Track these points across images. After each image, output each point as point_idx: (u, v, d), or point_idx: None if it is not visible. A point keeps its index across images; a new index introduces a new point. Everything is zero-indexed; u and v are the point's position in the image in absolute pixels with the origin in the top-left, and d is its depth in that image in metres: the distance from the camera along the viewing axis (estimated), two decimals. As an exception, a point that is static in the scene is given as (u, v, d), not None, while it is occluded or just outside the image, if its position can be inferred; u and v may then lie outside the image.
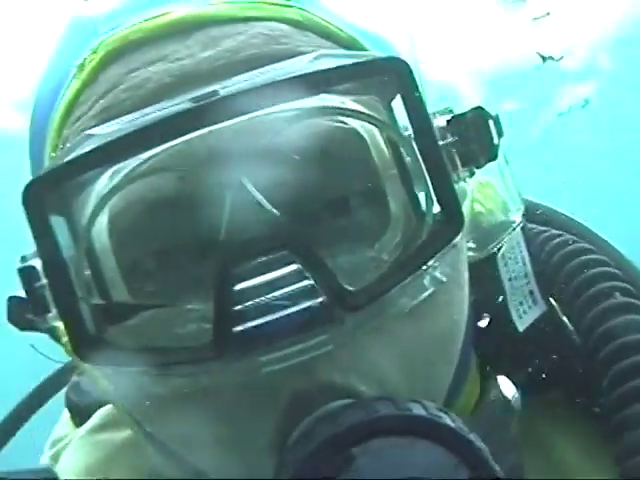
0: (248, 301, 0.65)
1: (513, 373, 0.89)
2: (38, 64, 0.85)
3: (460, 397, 0.84)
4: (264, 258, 0.66)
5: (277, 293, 0.65)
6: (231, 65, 0.71)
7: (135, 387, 0.71)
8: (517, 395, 0.83)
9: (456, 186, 0.72)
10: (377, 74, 0.71)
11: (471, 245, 0.86)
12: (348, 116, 0.71)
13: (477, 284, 0.82)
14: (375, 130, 0.73)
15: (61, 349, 0.87)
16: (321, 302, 0.66)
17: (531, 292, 0.91)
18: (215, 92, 0.66)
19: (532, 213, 0.99)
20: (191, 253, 0.71)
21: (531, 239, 0.94)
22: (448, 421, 0.65)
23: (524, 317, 0.89)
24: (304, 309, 0.65)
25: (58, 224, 0.70)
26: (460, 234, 0.71)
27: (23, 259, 0.71)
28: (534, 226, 0.97)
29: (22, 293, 0.74)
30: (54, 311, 0.70)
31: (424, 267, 0.70)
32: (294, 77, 0.67)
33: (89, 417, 1.03)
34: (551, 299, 0.92)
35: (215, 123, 0.66)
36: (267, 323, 0.65)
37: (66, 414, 1.09)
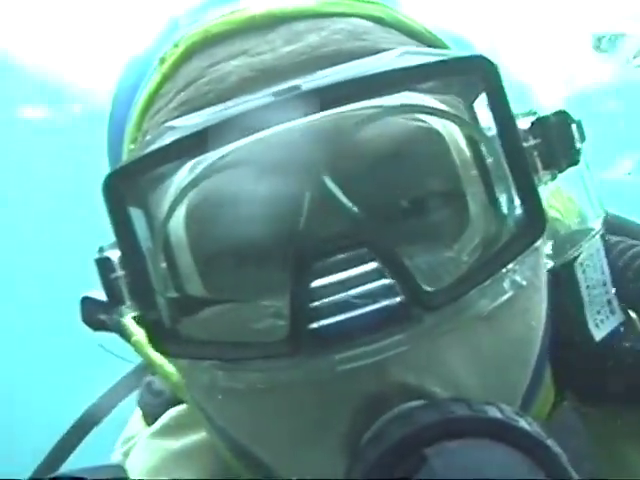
0: (325, 298, 0.65)
1: (587, 383, 0.87)
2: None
3: (534, 404, 0.82)
4: (342, 255, 0.65)
5: (354, 291, 0.65)
6: (313, 60, 0.71)
7: (208, 380, 0.71)
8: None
9: None
10: (464, 72, 0.70)
11: (548, 251, 0.84)
12: (431, 114, 0.70)
13: (553, 291, 0.81)
14: (456, 130, 0.72)
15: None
16: (399, 301, 0.65)
17: (609, 301, 0.89)
18: (297, 87, 0.66)
19: (609, 223, 0.97)
20: (268, 248, 0.70)
21: (608, 250, 0.92)
22: (525, 425, 0.64)
23: (601, 326, 0.87)
24: (381, 308, 0.65)
25: (136, 216, 0.70)
26: (542, 237, 0.70)
27: (100, 250, 0.72)
28: (611, 237, 0.95)
29: (94, 294, 0.75)
30: (129, 303, 0.71)
31: (504, 270, 0.69)
32: (378, 74, 0.66)
33: (160, 417, 1.03)
34: (630, 311, 0.90)
35: (296, 118, 0.66)
36: (343, 321, 0.64)
37: (138, 412, 1.10)
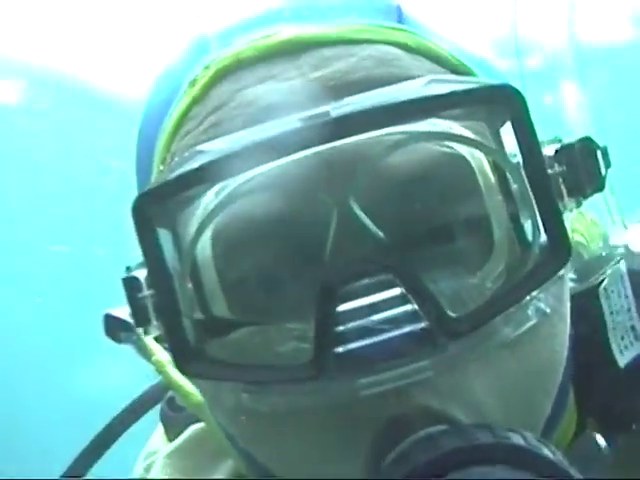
0: (350, 323, 0.65)
1: (611, 409, 0.87)
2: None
3: (557, 430, 0.82)
4: (368, 280, 0.66)
5: (379, 316, 0.65)
6: (341, 87, 0.72)
7: (232, 402, 0.71)
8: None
9: None
10: (490, 102, 0.70)
11: (572, 276, 0.84)
12: (456, 142, 0.71)
13: (577, 316, 0.81)
14: (482, 155, 0.73)
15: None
16: (423, 327, 0.65)
17: (633, 327, 0.88)
18: (326, 113, 0.66)
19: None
20: (293, 272, 0.71)
21: (633, 273, 0.92)
22: (548, 453, 0.64)
23: (625, 353, 0.87)
24: (406, 334, 0.65)
25: (164, 236, 0.71)
26: (566, 265, 0.70)
27: (128, 269, 0.73)
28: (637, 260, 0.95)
29: (115, 312, 0.76)
30: (155, 323, 0.72)
31: (528, 297, 0.69)
32: (405, 101, 0.66)
33: (182, 432, 1.04)
34: None
35: (324, 144, 0.66)
36: (368, 346, 0.64)
37: (161, 428, 1.11)
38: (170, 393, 1.10)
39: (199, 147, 0.70)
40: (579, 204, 0.74)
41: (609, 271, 0.84)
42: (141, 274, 0.71)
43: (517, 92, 0.69)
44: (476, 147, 0.71)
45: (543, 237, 0.70)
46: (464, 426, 0.67)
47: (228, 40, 0.78)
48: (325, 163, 0.69)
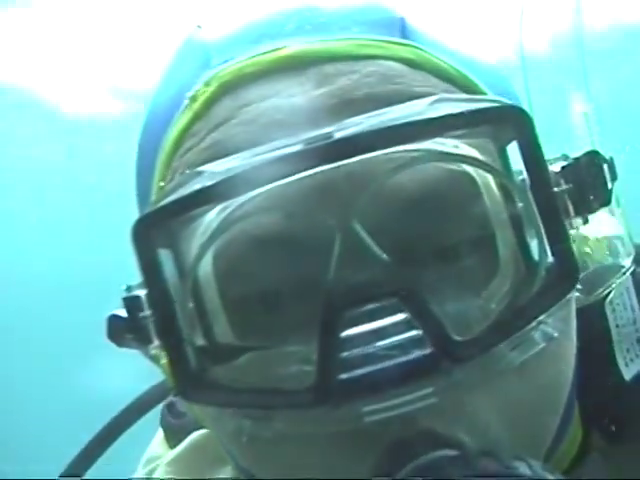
0: (354, 349, 0.64)
1: (616, 422, 0.87)
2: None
3: (562, 444, 0.82)
4: (372, 305, 0.65)
5: (383, 342, 0.64)
6: (344, 104, 0.70)
7: (234, 427, 0.71)
8: None
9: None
10: (496, 122, 0.69)
11: (578, 286, 0.84)
12: (462, 162, 0.70)
13: (583, 329, 0.80)
14: (488, 174, 0.72)
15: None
16: (428, 353, 0.65)
17: (639, 340, 0.88)
18: (329, 135, 0.66)
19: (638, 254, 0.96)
20: (295, 294, 0.70)
21: (638, 284, 0.91)
22: None
23: (631, 365, 0.87)
24: (411, 360, 0.64)
25: (164, 257, 0.70)
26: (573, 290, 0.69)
27: (128, 289, 0.72)
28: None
29: (121, 312, 0.75)
30: (156, 342, 0.71)
31: (535, 322, 0.68)
32: (410, 123, 0.66)
33: (183, 438, 1.04)
34: None
35: (327, 165, 0.65)
36: (372, 372, 0.64)
37: (161, 433, 1.10)
38: (170, 398, 1.10)
39: (200, 168, 0.69)
40: (586, 221, 0.73)
41: (615, 284, 0.83)
42: (142, 292, 0.70)
43: (523, 113, 0.68)
44: (482, 168, 0.70)
45: (549, 258, 0.69)
46: (470, 455, 0.66)
47: (230, 54, 0.76)
48: (329, 184, 0.68)
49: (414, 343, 0.65)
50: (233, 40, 0.78)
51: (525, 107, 0.80)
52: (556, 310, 0.69)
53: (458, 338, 0.66)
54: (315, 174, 0.66)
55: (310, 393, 0.66)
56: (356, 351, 0.64)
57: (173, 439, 1.06)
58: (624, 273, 0.84)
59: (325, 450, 0.70)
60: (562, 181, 0.71)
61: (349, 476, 0.69)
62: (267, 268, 0.70)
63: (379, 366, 0.64)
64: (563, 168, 0.71)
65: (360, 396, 0.65)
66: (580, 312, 0.80)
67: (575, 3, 0.93)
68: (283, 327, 0.71)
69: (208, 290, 0.72)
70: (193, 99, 0.76)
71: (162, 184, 0.78)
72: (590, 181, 0.72)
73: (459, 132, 0.69)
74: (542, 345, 0.69)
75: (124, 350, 0.76)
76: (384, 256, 0.67)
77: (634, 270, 0.88)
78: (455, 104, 0.68)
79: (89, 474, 1.25)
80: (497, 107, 0.69)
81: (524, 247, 0.72)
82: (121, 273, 0.75)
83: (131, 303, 0.71)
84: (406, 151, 0.68)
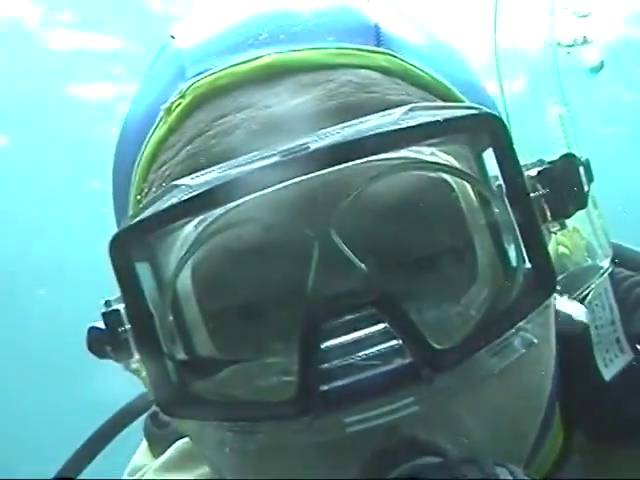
0: (334, 360, 0.64)
1: (597, 422, 0.87)
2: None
3: (544, 448, 0.82)
4: (351, 316, 0.65)
5: (364, 352, 0.64)
6: (320, 113, 0.70)
7: (217, 440, 0.71)
8: None
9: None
10: (470, 130, 0.70)
11: (557, 288, 0.84)
12: (438, 170, 0.70)
13: (561, 330, 0.80)
14: (465, 182, 0.72)
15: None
16: (409, 362, 0.65)
17: (618, 340, 0.88)
18: (306, 146, 0.65)
19: (617, 256, 0.96)
20: (274, 305, 0.70)
21: (617, 283, 0.91)
22: None
23: (610, 366, 0.87)
24: (391, 370, 0.64)
25: (143, 270, 0.70)
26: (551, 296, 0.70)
27: (107, 304, 0.71)
28: (620, 270, 0.94)
29: (101, 324, 0.74)
30: (137, 357, 0.70)
31: (514, 329, 0.68)
32: (386, 132, 0.65)
33: (167, 448, 1.03)
34: (639, 347, 0.90)
35: (304, 177, 0.65)
36: (353, 383, 0.64)
37: (145, 443, 1.10)
38: (154, 408, 1.09)
39: (176, 181, 0.69)
40: (563, 225, 0.73)
41: (593, 285, 0.84)
42: (122, 306, 0.70)
43: (498, 120, 0.68)
44: (458, 175, 0.70)
45: (527, 264, 0.69)
46: (452, 462, 0.66)
47: (204, 65, 0.76)
48: (306, 195, 0.68)
49: (394, 352, 0.65)
50: (208, 50, 0.77)
51: (500, 112, 0.81)
52: (535, 316, 0.69)
53: (438, 346, 0.66)
54: (292, 185, 0.66)
55: (292, 405, 0.66)
56: (337, 362, 0.64)
57: (157, 449, 1.06)
58: (602, 274, 0.84)
59: (309, 461, 0.70)
60: (539, 186, 0.71)
61: None
62: (246, 280, 0.70)
63: (360, 376, 0.64)
64: (539, 173, 0.71)
65: (342, 407, 0.65)
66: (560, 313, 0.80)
67: (549, 5, 0.93)
68: (263, 339, 0.70)
69: (187, 303, 0.72)
70: (168, 111, 0.76)
71: (139, 198, 0.78)
72: (566, 185, 0.72)
73: (434, 140, 0.69)
74: (522, 351, 0.69)
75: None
76: (362, 266, 0.66)
77: (612, 271, 0.89)
78: (430, 112, 0.68)
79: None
80: (471, 115, 0.69)
81: (502, 253, 0.72)
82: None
83: (110, 318, 0.71)
84: (382, 160, 0.68)
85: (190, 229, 0.70)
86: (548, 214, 0.71)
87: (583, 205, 0.74)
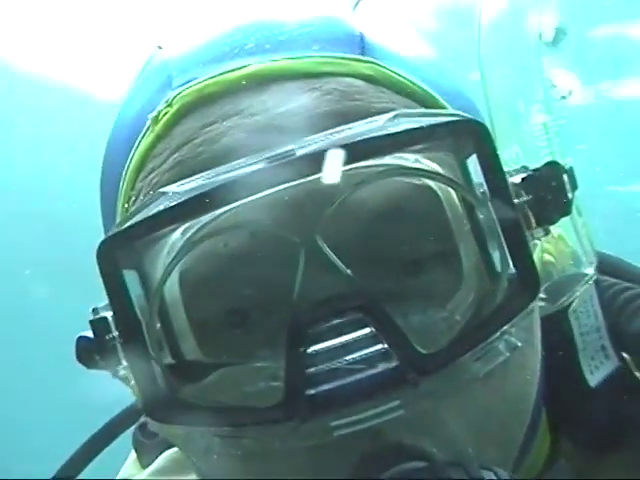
0: (321, 364, 0.65)
1: (583, 430, 0.88)
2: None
3: (530, 454, 0.82)
4: (337, 320, 0.66)
5: (350, 356, 0.65)
6: (306, 121, 0.71)
7: (204, 445, 0.71)
8: None
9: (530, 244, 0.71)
10: (453, 136, 0.70)
11: (542, 295, 0.84)
12: (422, 177, 0.71)
13: (547, 337, 0.81)
14: (449, 188, 0.73)
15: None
16: (394, 366, 0.65)
17: (603, 347, 0.89)
18: (291, 152, 0.66)
19: (602, 264, 0.97)
20: (261, 311, 0.71)
21: (602, 291, 0.92)
22: None
23: (596, 373, 0.87)
24: (377, 373, 0.65)
25: (130, 277, 0.70)
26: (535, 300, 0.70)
27: (95, 311, 0.72)
28: (605, 278, 0.95)
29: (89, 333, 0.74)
30: (125, 363, 0.71)
31: (498, 333, 0.69)
32: (370, 139, 0.66)
33: (156, 458, 1.03)
34: (624, 354, 0.91)
35: (290, 183, 0.66)
36: (340, 387, 0.64)
37: (133, 454, 1.10)
38: (142, 419, 1.09)
39: (164, 189, 0.69)
40: (547, 232, 0.74)
41: (578, 292, 0.84)
42: (109, 314, 0.70)
43: (481, 126, 0.69)
44: (442, 181, 0.71)
45: (512, 269, 0.70)
46: (438, 465, 0.67)
47: (191, 74, 0.76)
48: (292, 202, 0.68)
49: (380, 357, 0.65)
50: (194, 60, 0.78)
51: (485, 119, 0.82)
52: (519, 320, 0.70)
53: (423, 350, 0.66)
54: (278, 192, 0.67)
55: (278, 409, 0.66)
56: (323, 366, 0.65)
57: (146, 459, 1.06)
58: (587, 282, 0.84)
59: (296, 465, 0.70)
60: (523, 192, 0.72)
61: None
62: (233, 286, 0.71)
63: (346, 380, 0.64)
64: (523, 180, 0.72)
65: (328, 411, 0.65)
66: (545, 321, 0.81)
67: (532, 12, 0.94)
68: (250, 344, 0.71)
69: (175, 309, 0.73)
70: (155, 120, 0.76)
71: (127, 206, 0.78)
72: (550, 192, 0.73)
73: (419, 146, 0.70)
74: (506, 355, 0.70)
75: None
76: (348, 271, 0.67)
77: (597, 278, 0.90)
78: (414, 119, 0.69)
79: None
80: (455, 121, 0.70)
81: (487, 259, 0.73)
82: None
83: (98, 325, 0.71)
84: (367, 167, 0.68)
85: (177, 236, 0.71)
86: (532, 220, 0.72)
87: (567, 212, 0.74)
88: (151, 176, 0.75)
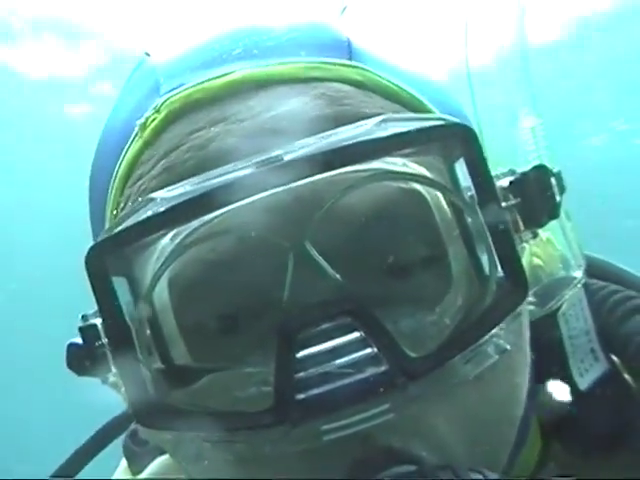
0: (310, 369, 0.65)
1: (573, 433, 0.88)
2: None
3: (520, 455, 0.82)
4: (326, 325, 0.66)
5: (340, 361, 0.65)
6: (294, 126, 0.71)
7: (194, 451, 0.71)
8: None
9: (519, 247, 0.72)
10: (441, 140, 0.71)
11: (531, 299, 0.85)
12: (410, 180, 0.71)
13: (536, 341, 0.81)
14: (437, 192, 0.73)
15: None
16: (383, 370, 0.65)
17: (592, 350, 0.89)
18: (279, 157, 0.66)
19: (591, 267, 0.97)
20: (251, 316, 0.71)
21: (591, 294, 0.92)
22: None
23: (585, 375, 0.88)
24: (367, 377, 0.65)
25: (119, 284, 0.70)
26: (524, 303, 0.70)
27: (84, 318, 0.72)
28: (594, 281, 0.95)
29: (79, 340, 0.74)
30: (115, 370, 0.70)
31: (487, 336, 0.69)
32: (358, 143, 0.66)
33: (147, 466, 1.03)
34: (613, 356, 0.91)
35: (278, 188, 0.66)
36: (329, 392, 0.64)
37: (124, 462, 1.09)
38: (133, 427, 1.09)
39: (151, 195, 0.69)
40: (535, 235, 0.74)
41: (567, 296, 0.85)
42: (99, 321, 0.70)
43: (469, 130, 0.69)
44: (430, 185, 0.71)
45: (500, 272, 0.70)
46: (427, 468, 0.67)
47: (178, 80, 0.77)
48: (280, 206, 0.68)
49: (370, 361, 0.65)
50: (182, 66, 0.78)
51: (472, 123, 0.82)
52: (508, 323, 0.70)
53: (412, 354, 0.66)
54: (266, 197, 0.67)
55: (268, 414, 0.66)
56: (312, 371, 0.65)
57: (137, 467, 1.06)
58: (576, 285, 0.85)
59: (287, 470, 0.70)
60: (510, 196, 0.72)
61: None
62: (222, 291, 0.71)
63: (335, 385, 0.64)
64: (511, 183, 0.72)
65: (318, 415, 0.65)
66: (535, 324, 0.81)
67: (518, 18, 0.94)
68: (240, 349, 0.71)
69: (165, 315, 0.72)
70: (143, 126, 0.76)
71: (115, 212, 0.78)
72: (538, 195, 0.73)
73: (407, 151, 0.70)
74: (495, 358, 0.70)
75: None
76: (337, 275, 0.67)
77: (586, 282, 0.90)
78: (402, 123, 0.69)
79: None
80: (442, 125, 0.70)
81: (475, 262, 0.73)
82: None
83: (87, 332, 0.71)
84: (356, 171, 0.68)
85: (166, 241, 0.71)
86: (520, 223, 0.72)
87: (555, 215, 0.75)
88: (139, 182, 0.75)
